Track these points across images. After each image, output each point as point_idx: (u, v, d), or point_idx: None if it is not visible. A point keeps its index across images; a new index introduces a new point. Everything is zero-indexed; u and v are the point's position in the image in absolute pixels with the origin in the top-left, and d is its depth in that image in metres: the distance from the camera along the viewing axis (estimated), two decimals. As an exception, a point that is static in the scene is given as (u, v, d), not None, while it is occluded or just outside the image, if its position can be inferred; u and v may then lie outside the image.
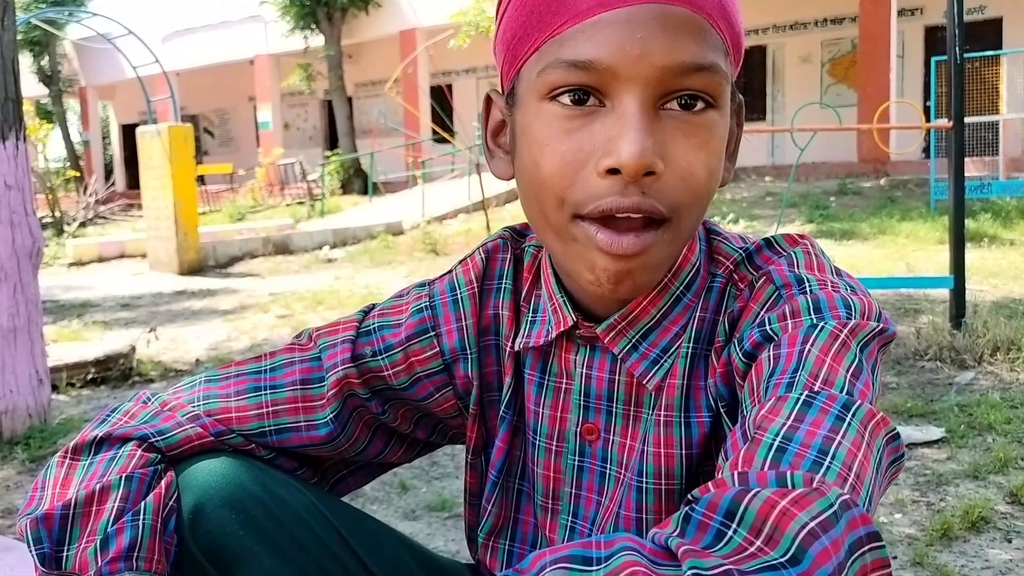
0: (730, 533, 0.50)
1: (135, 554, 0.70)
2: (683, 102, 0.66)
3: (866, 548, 0.50)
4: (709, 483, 0.54)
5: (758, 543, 0.49)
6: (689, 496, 0.54)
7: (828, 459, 0.54)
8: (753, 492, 0.51)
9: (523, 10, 0.69)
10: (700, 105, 0.67)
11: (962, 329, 3.90)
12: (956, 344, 3.76)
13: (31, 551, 0.72)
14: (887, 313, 0.71)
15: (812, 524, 0.49)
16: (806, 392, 0.60)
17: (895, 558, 2.01)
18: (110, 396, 3.91)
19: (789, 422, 0.58)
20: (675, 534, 0.52)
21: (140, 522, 0.71)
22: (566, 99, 0.67)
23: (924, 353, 3.82)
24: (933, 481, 2.47)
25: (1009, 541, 2.07)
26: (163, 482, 0.75)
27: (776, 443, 0.56)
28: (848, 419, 0.58)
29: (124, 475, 0.74)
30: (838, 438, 0.56)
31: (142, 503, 0.72)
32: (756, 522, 0.50)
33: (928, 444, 2.77)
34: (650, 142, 0.64)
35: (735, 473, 0.54)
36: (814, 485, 0.51)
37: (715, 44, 0.67)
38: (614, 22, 0.64)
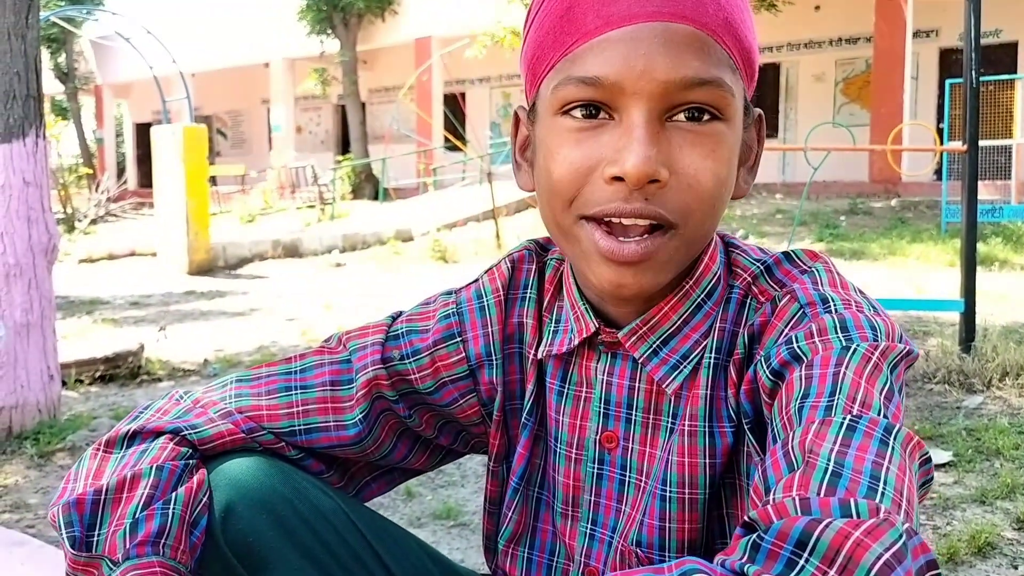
0: (801, 562, 0.50)
1: (163, 540, 0.72)
2: (689, 114, 0.69)
3: None
4: (768, 507, 0.55)
5: (831, 573, 0.49)
6: (747, 519, 0.55)
7: (881, 485, 0.55)
8: (825, 522, 0.51)
9: (541, 31, 0.73)
10: (706, 117, 0.69)
11: (971, 353, 3.89)
12: (965, 368, 3.75)
13: (61, 535, 0.74)
14: (907, 334, 0.71)
15: (887, 556, 0.49)
16: (848, 416, 0.60)
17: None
18: (118, 394, 3.92)
19: (837, 447, 0.58)
20: (743, 560, 0.52)
21: (170, 511, 0.73)
22: (577, 113, 0.70)
23: (933, 376, 3.81)
24: (940, 505, 2.46)
25: (1015, 567, 2.06)
26: (195, 478, 0.76)
27: (830, 468, 0.56)
28: (891, 443, 0.59)
29: (155, 465, 0.76)
30: (886, 463, 0.57)
31: (173, 494, 0.74)
32: (829, 552, 0.50)
33: (936, 467, 2.76)
34: (653, 152, 0.67)
35: (796, 497, 0.54)
36: (881, 515, 0.52)
37: (720, 59, 0.69)
38: (620, 40, 0.68)
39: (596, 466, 0.82)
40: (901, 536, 0.51)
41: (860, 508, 0.52)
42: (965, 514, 2.39)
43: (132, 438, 0.80)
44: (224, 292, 7.47)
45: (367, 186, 18.32)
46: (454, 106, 17.93)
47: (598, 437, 0.82)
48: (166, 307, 6.64)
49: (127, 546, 0.71)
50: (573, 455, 0.83)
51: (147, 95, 21.44)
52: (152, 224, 10.67)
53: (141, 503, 0.73)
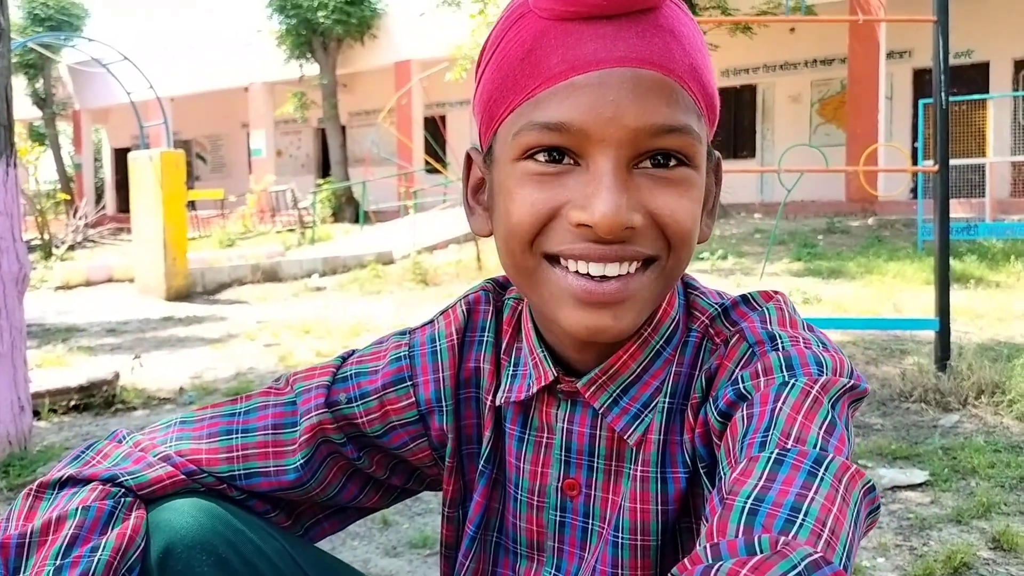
0: None
1: None
2: (656, 161, 0.68)
3: None
4: (685, 559, 0.54)
5: None
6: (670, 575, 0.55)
7: (801, 516, 0.54)
8: (716, 567, 0.51)
9: (499, 73, 0.71)
10: (673, 163, 0.68)
11: (947, 371, 3.91)
12: (941, 386, 3.77)
13: None
14: (858, 370, 0.71)
15: None
16: (777, 450, 0.60)
17: (877, 604, 2.00)
18: (93, 423, 3.87)
19: (761, 483, 0.57)
20: None
21: (96, 558, 0.70)
22: (541, 157, 0.68)
23: (909, 395, 3.82)
24: (916, 525, 2.46)
25: (991, 588, 2.06)
26: (131, 523, 0.74)
27: (748, 506, 0.56)
28: (820, 474, 0.58)
29: (82, 506, 0.74)
30: (811, 494, 0.56)
31: (103, 539, 0.72)
32: None
33: (912, 487, 2.77)
34: (624, 199, 0.66)
35: (708, 546, 0.54)
36: (779, 547, 0.52)
37: (687, 105, 0.68)
38: (586, 85, 0.66)
39: (558, 513, 0.81)
40: (795, 567, 0.50)
41: (762, 544, 0.52)
42: (941, 534, 2.40)
43: (66, 483, 0.78)
44: (202, 318, 7.41)
45: (348, 209, 18.28)
46: (434, 129, 17.96)
47: (560, 484, 0.80)
48: (143, 334, 6.58)
49: None
50: (535, 502, 0.82)
51: (126, 120, 21.37)
52: (130, 250, 10.59)
53: (65, 544, 0.71)
